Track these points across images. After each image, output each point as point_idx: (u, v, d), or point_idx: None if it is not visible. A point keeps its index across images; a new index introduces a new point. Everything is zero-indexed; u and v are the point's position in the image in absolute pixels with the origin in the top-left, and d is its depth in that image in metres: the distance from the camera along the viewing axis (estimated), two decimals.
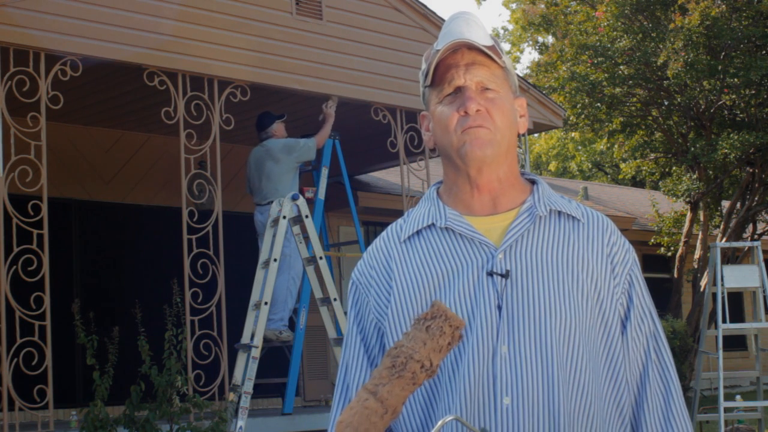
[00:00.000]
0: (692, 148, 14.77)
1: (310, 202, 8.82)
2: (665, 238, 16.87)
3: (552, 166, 31.60)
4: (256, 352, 7.04)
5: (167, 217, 9.92)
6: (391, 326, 1.95)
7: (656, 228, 17.11)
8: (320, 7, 8.99)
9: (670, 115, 15.88)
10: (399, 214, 10.13)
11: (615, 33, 15.20)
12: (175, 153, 8.85)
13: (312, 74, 8.82)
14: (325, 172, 9.19)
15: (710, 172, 15.72)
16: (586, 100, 15.46)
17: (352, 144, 10.40)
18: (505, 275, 1.90)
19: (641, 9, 15.12)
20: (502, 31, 31.79)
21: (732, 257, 16.17)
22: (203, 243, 7.90)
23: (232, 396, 6.99)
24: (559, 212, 1.99)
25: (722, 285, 9.68)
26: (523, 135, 10.62)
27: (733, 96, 15.13)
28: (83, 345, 6.85)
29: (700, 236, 16.18)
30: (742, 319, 17.21)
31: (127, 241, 10.44)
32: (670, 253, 16.91)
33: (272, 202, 8.48)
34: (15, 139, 7.06)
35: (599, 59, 14.88)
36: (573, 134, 25.63)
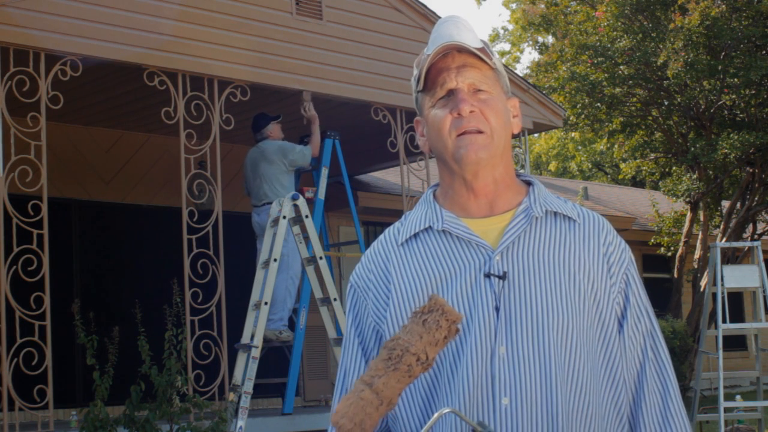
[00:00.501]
0: (692, 148, 14.77)
1: (310, 202, 8.82)
2: (665, 238, 16.88)
3: (552, 166, 31.59)
4: (256, 352, 7.05)
5: (167, 217, 9.92)
6: (389, 329, 1.96)
7: (656, 228, 17.11)
8: (320, 7, 8.99)
9: (670, 115, 15.88)
10: (399, 214, 10.12)
11: (615, 33, 15.21)
12: (175, 153, 8.86)
13: (312, 74, 8.82)
14: (325, 172, 9.19)
15: (710, 172, 15.73)
16: (586, 100, 15.46)
17: (352, 144, 10.41)
18: (503, 277, 1.91)
19: (641, 9, 15.13)
20: (502, 31, 31.77)
21: (732, 257, 16.17)
22: (203, 243, 7.90)
23: (232, 396, 6.99)
24: (555, 213, 2.00)
25: (722, 285, 9.68)
26: (518, 135, 10.62)
27: (733, 96, 15.13)
28: (83, 345, 6.85)
29: (700, 236, 16.19)
30: (742, 319, 17.21)
31: (127, 241, 10.44)
32: (670, 253, 16.91)
33: (268, 203, 8.53)
34: (15, 139, 7.06)
35: (599, 59, 14.88)
36: (573, 134, 25.63)
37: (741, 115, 15.97)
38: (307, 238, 7.47)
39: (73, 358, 9.57)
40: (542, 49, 19.40)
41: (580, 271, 1.94)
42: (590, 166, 30.60)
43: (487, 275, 1.91)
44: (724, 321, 9.50)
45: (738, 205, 16.36)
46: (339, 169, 9.39)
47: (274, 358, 9.34)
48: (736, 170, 16.21)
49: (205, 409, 7.00)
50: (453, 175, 1.98)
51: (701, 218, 16.17)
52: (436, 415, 1.71)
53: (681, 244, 16.33)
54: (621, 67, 15.14)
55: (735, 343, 17.06)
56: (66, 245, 9.89)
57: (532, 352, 1.88)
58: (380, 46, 9.33)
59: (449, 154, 1.95)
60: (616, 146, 17.96)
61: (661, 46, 14.49)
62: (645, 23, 15.25)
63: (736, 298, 17.37)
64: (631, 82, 15.21)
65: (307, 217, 7.34)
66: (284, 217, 7.30)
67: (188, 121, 8.05)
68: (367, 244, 11.11)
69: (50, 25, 7.30)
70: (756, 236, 17.10)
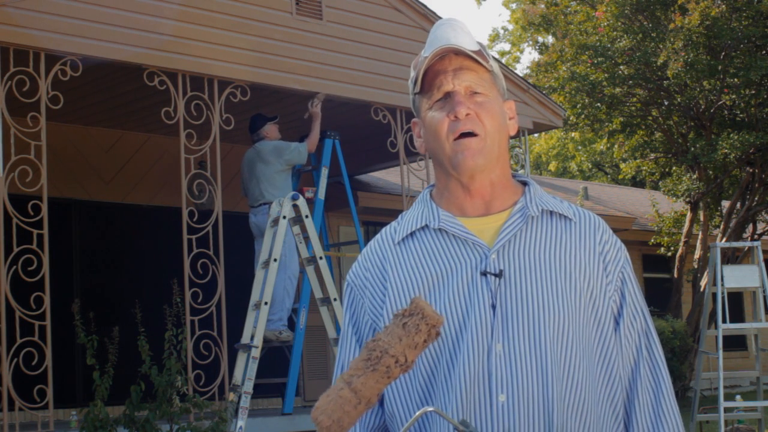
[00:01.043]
0: (692, 148, 14.78)
1: (310, 202, 8.82)
2: (665, 238, 16.87)
3: (552, 166, 31.59)
4: (256, 352, 7.05)
5: (167, 217, 9.92)
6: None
7: (656, 228, 17.11)
8: (320, 7, 8.99)
9: (670, 115, 15.88)
10: (399, 214, 10.09)
11: (615, 33, 15.21)
12: (175, 153, 8.86)
13: (312, 74, 8.82)
14: (325, 172, 9.19)
15: (710, 172, 15.73)
16: (586, 100, 15.46)
17: (352, 144, 10.41)
18: (499, 275, 1.93)
19: (641, 9, 15.13)
20: (502, 31, 31.77)
21: (732, 257, 16.18)
22: (203, 243, 7.90)
23: (232, 396, 6.99)
24: (551, 212, 2.02)
25: (722, 285, 9.67)
26: (517, 136, 10.61)
27: (733, 96, 15.13)
28: (83, 345, 6.85)
29: (700, 236, 16.19)
30: (742, 319, 17.21)
31: (127, 241, 10.44)
32: (670, 253, 16.91)
33: (264, 204, 8.54)
34: (15, 139, 7.06)
35: (599, 59, 14.88)
36: (573, 134, 25.63)
37: (741, 115, 15.97)
38: (307, 238, 7.47)
39: (73, 358, 9.57)
40: (542, 49, 19.40)
41: (576, 269, 1.96)
42: (590, 166, 30.59)
43: (484, 273, 1.93)
44: (724, 321, 9.50)
45: (738, 205, 16.36)
46: (339, 169, 9.39)
47: (274, 358, 9.35)
48: (736, 170, 16.21)
49: (205, 409, 7.00)
50: (449, 177, 2.01)
51: (701, 218, 16.17)
52: (417, 413, 1.74)
53: (681, 244, 16.33)
54: (621, 67, 15.14)
55: (735, 343, 17.06)
56: (66, 245, 9.90)
57: (529, 349, 1.89)
58: (380, 46, 9.33)
59: (446, 159, 1.98)
60: (616, 146, 17.96)
61: (661, 46, 14.49)
62: (645, 23, 15.25)
63: (736, 298, 17.37)
64: (631, 82, 15.21)
65: (307, 217, 7.34)
66: (284, 217, 7.31)
67: (188, 121, 8.05)
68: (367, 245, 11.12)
69: (50, 25, 7.31)
70: (756, 236, 17.09)
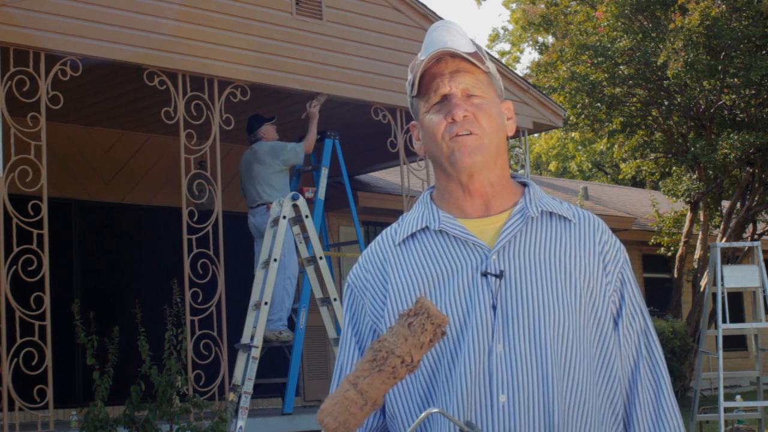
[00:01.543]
0: (692, 148, 14.78)
1: (310, 202, 8.82)
2: (665, 238, 16.87)
3: (552, 166, 31.59)
4: (256, 352, 7.05)
5: (167, 217, 9.92)
6: (387, 328, 1.97)
7: (656, 228, 17.11)
8: (320, 7, 8.99)
9: (670, 115, 15.88)
10: (399, 214, 10.12)
11: (615, 33, 15.21)
12: (175, 153, 8.86)
13: (312, 74, 8.82)
14: (325, 172, 9.19)
15: (710, 172, 15.73)
16: (586, 100, 15.46)
17: (352, 144, 10.41)
18: (499, 275, 1.93)
19: (641, 9, 15.13)
20: (502, 31, 31.77)
21: (732, 257, 16.18)
22: (203, 243, 7.90)
23: (232, 396, 6.99)
24: (551, 213, 2.03)
25: (722, 285, 9.67)
26: (515, 136, 10.61)
27: (733, 96, 15.13)
28: (83, 345, 6.85)
29: (700, 236, 16.19)
30: (742, 319, 17.21)
31: (127, 241, 10.44)
32: (670, 253, 16.91)
33: (262, 205, 8.54)
34: (15, 139, 7.06)
35: (599, 59, 14.88)
36: (573, 134, 25.63)
37: (741, 115, 15.97)
38: (307, 238, 7.47)
39: (73, 358, 9.57)
40: (542, 49, 19.40)
41: (576, 270, 1.97)
42: (590, 166, 30.59)
43: (484, 274, 1.94)
44: (724, 321, 9.50)
45: (738, 205, 16.36)
46: (339, 169, 9.39)
47: (274, 358, 9.34)
48: (736, 170, 16.21)
49: (205, 409, 7.00)
50: (449, 178, 2.02)
51: (701, 218, 16.17)
52: (423, 414, 1.74)
53: (681, 244, 16.33)
54: (621, 67, 15.13)
55: (735, 343, 17.06)
56: (66, 245, 9.90)
57: (529, 350, 1.90)
58: (380, 46, 9.33)
59: (444, 158, 1.99)
60: (616, 146, 17.96)
61: (661, 46, 14.49)
62: (645, 23, 15.25)
63: (736, 298, 17.36)
64: (631, 82, 15.21)
65: (307, 217, 7.34)
66: (284, 217, 7.31)
67: (188, 121, 8.05)
68: (367, 244, 11.11)
69: (50, 25, 7.31)
70: (756, 236, 17.10)
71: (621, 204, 19.57)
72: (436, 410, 1.74)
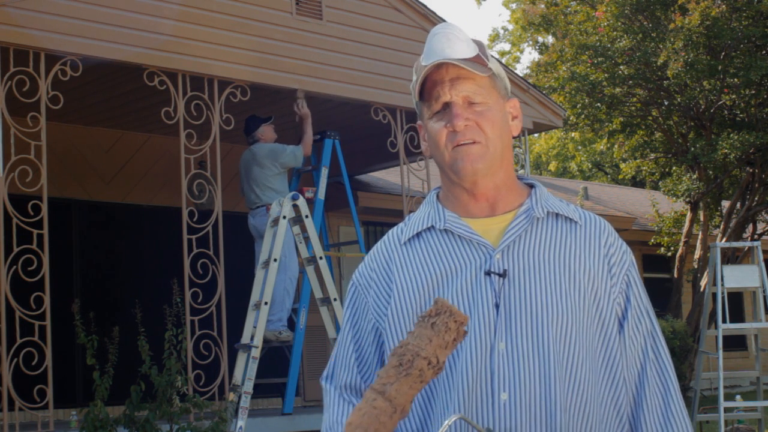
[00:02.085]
0: (692, 148, 14.77)
1: (310, 202, 8.81)
2: (665, 238, 16.87)
3: (552, 166, 31.60)
4: (256, 352, 7.05)
5: (167, 217, 9.92)
6: (390, 326, 2.00)
7: (656, 228, 17.10)
8: (320, 7, 8.99)
9: (670, 115, 15.87)
10: (399, 214, 10.13)
11: (615, 33, 15.20)
12: (175, 153, 8.86)
13: (312, 74, 8.82)
14: (325, 172, 9.19)
15: (710, 172, 15.72)
16: (586, 100, 15.45)
17: (352, 144, 10.41)
18: (503, 275, 1.94)
19: (641, 9, 15.12)
20: (502, 31, 31.77)
21: (732, 257, 16.17)
22: (203, 243, 7.90)
23: (232, 396, 6.99)
24: (557, 214, 2.04)
25: (722, 285, 9.68)
26: (519, 136, 10.60)
27: (733, 96, 15.13)
28: (83, 345, 6.85)
29: (700, 236, 16.18)
30: (742, 319, 17.21)
31: (127, 241, 10.44)
32: (670, 253, 16.90)
33: (260, 206, 8.53)
34: (15, 139, 7.06)
35: (599, 59, 14.87)
36: (573, 134, 25.63)
37: (741, 115, 15.97)
38: (307, 238, 7.47)
39: (73, 358, 9.57)
40: (542, 49, 19.39)
41: (581, 271, 1.97)
42: (590, 166, 30.59)
43: (488, 273, 1.94)
44: (724, 321, 9.50)
45: (738, 205, 16.35)
46: (339, 169, 9.39)
47: (274, 358, 9.34)
48: (736, 170, 16.20)
49: (205, 409, 7.00)
50: (453, 182, 2.03)
51: (701, 218, 16.16)
52: (447, 421, 1.72)
53: (681, 244, 16.32)
54: (621, 67, 15.13)
55: (735, 343, 17.05)
56: (66, 245, 9.89)
57: (531, 348, 1.91)
58: (380, 46, 9.33)
59: (447, 166, 2.01)
60: (616, 146, 17.96)
61: (661, 46, 14.48)
62: (645, 23, 15.24)
63: (736, 298, 17.36)
64: (631, 82, 15.20)
65: (307, 217, 7.34)
66: (284, 217, 7.30)
67: (188, 121, 8.05)
68: (367, 244, 11.12)
69: (50, 25, 7.30)
70: (756, 236, 17.09)
71: (621, 204, 19.57)
72: (456, 417, 1.72)
